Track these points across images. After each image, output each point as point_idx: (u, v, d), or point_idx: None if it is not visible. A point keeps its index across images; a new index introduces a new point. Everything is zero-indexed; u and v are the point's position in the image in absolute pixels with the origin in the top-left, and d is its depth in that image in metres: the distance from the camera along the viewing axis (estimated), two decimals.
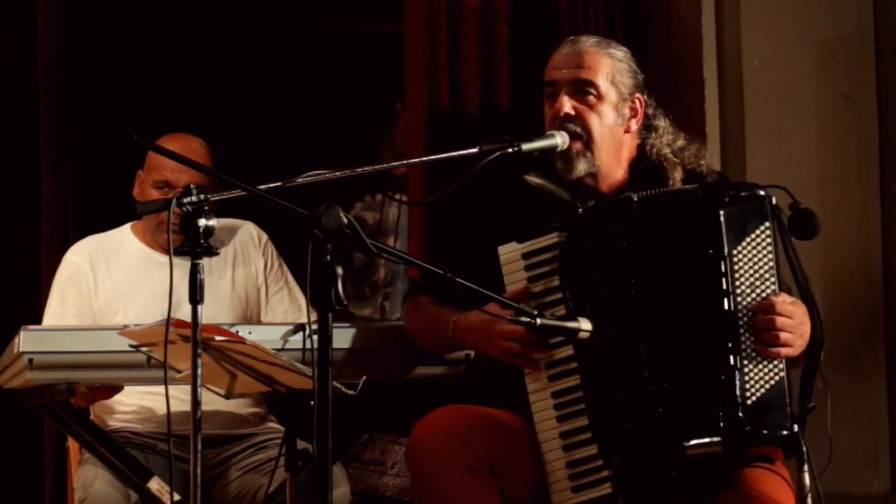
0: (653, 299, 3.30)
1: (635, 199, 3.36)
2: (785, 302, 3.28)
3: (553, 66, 3.59)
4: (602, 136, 3.53)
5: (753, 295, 3.29)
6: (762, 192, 3.33)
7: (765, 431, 3.25)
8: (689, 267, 3.31)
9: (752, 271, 3.30)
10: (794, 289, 3.36)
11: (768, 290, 3.29)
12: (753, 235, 3.31)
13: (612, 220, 3.35)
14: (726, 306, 3.27)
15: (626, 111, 3.56)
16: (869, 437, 4.67)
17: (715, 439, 3.24)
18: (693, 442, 3.24)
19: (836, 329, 4.51)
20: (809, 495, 3.24)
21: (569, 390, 3.34)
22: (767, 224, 3.31)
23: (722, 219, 3.30)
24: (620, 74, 3.55)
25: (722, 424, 3.23)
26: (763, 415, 3.24)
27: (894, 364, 4.68)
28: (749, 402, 3.24)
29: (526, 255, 3.41)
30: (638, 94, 3.58)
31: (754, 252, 3.30)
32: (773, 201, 3.33)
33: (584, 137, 3.51)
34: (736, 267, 3.29)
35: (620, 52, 3.59)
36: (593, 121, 3.52)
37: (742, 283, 3.29)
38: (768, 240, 3.30)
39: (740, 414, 3.23)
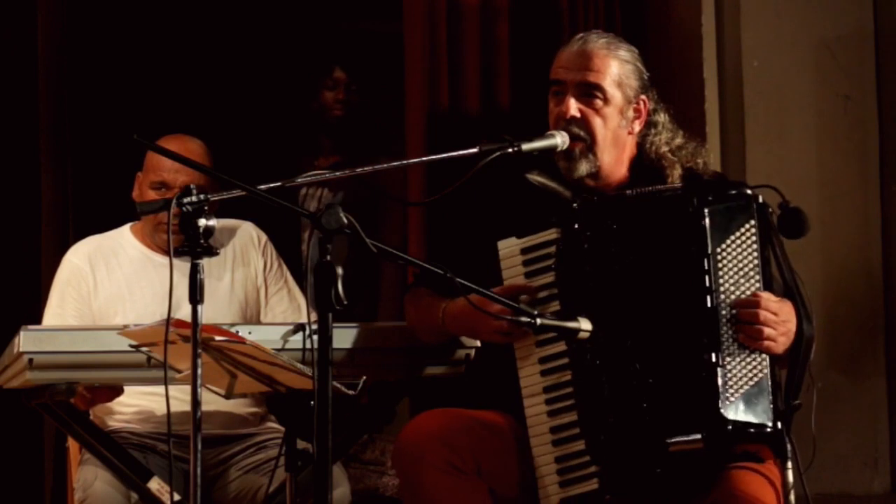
0: (642, 296, 3.32)
1: (630, 194, 3.38)
2: (770, 299, 3.30)
3: (560, 65, 3.57)
4: (605, 139, 3.53)
5: (738, 293, 3.30)
6: (748, 192, 3.35)
7: (750, 430, 3.25)
8: (675, 264, 3.32)
9: (735, 269, 3.31)
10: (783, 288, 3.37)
11: (753, 288, 3.30)
12: (738, 234, 3.32)
13: (606, 215, 3.37)
14: (709, 304, 3.28)
15: (631, 114, 3.56)
16: (869, 437, 4.67)
17: (696, 436, 3.24)
18: (675, 439, 3.25)
19: (836, 329, 4.51)
20: (792, 492, 3.24)
21: (560, 385, 3.35)
22: (753, 223, 3.32)
23: (706, 217, 3.31)
24: (627, 77, 3.54)
25: (703, 421, 3.24)
26: (746, 412, 3.25)
27: (894, 364, 4.69)
28: (730, 399, 3.25)
29: (524, 251, 3.42)
30: (643, 96, 3.57)
31: (739, 250, 3.31)
32: (760, 200, 3.34)
33: (587, 141, 3.52)
34: (720, 265, 3.30)
35: (629, 53, 3.57)
36: (597, 124, 3.52)
37: (726, 282, 3.30)
38: (753, 238, 3.31)
39: (721, 411, 3.24)
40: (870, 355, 4.68)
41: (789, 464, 3.25)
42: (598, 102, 3.52)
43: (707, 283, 3.29)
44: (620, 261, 3.33)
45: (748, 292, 3.30)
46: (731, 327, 3.28)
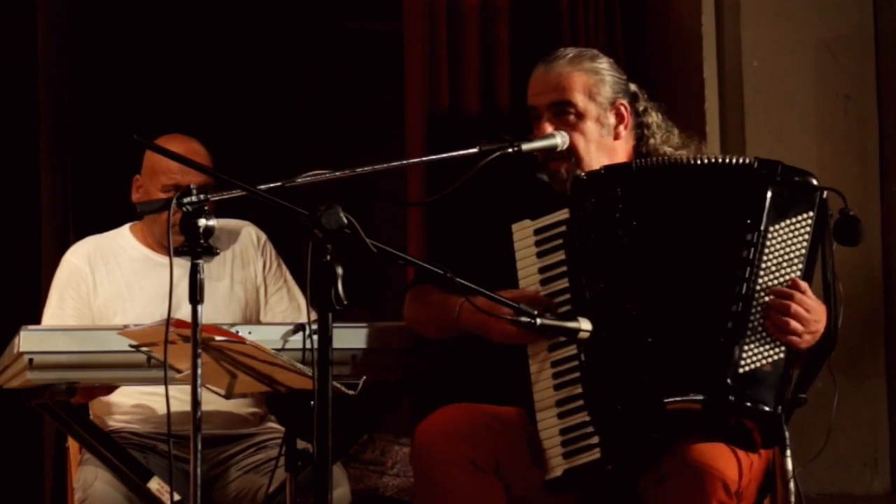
0: (656, 261, 3.32)
1: (634, 163, 3.41)
2: (807, 294, 3.30)
3: (531, 92, 3.62)
4: (588, 152, 3.55)
5: (777, 275, 3.31)
6: (815, 182, 3.37)
7: (748, 403, 3.26)
8: (714, 233, 3.33)
9: (781, 252, 3.32)
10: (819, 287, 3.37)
11: (793, 275, 3.32)
12: (794, 220, 3.34)
13: (613, 182, 3.37)
14: (746, 274, 3.29)
15: (611, 120, 3.59)
16: (869, 437, 4.67)
17: (696, 397, 3.25)
18: (673, 398, 3.25)
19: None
20: (792, 482, 3.24)
21: (566, 359, 3.36)
22: (811, 213, 3.34)
23: (769, 195, 3.32)
24: (597, 86, 3.57)
25: (707, 384, 3.25)
26: (750, 387, 3.26)
27: (894, 364, 4.69)
28: (740, 370, 3.26)
29: (538, 231, 3.44)
30: (622, 101, 3.59)
31: (790, 236, 3.33)
32: (824, 195, 3.36)
33: (571, 160, 3.54)
34: (768, 244, 3.31)
35: (595, 63, 3.60)
36: (577, 140, 3.55)
37: (769, 261, 3.31)
38: (807, 228, 3.33)
39: (728, 380, 3.25)
40: (870, 355, 4.68)
41: (788, 451, 3.24)
42: (573, 118, 3.55)
43: (750, 256, 3.29)
44: (627, 225, 3.34)
45: (785, 278, 3.31)
46: (761, 308, 3.29)
